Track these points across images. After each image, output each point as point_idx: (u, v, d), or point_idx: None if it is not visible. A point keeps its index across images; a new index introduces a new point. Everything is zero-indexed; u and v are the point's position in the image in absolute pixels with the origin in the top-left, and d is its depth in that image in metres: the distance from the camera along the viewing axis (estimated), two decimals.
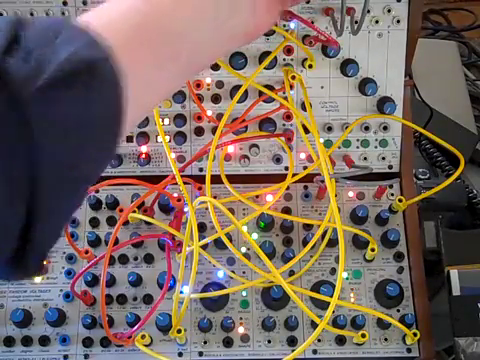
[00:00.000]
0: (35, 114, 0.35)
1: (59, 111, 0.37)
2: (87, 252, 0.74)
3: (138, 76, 0.43)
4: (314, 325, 0.72)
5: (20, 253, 0.38)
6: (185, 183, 0.77)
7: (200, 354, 0.73)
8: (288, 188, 0.78)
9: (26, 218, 0.36)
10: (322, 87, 0.77)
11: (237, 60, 0.75)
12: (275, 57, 0.75)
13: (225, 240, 0.72)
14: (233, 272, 0.74)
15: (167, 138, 0.78)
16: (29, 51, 0.36)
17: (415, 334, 0.71)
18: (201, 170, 0.79)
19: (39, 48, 0.36)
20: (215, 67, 0.76)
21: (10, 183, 0.35)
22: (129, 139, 0.78)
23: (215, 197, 0.77)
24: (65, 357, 0.72)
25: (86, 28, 0.40)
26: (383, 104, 0.76)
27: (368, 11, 0.74)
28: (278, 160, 0.79)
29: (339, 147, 0.79)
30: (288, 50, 0.75)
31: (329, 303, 0.71)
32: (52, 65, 0.36)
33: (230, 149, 0.79)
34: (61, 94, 0.37)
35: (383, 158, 0.80)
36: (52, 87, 0.36)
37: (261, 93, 0.76)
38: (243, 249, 0.76)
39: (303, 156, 0.79)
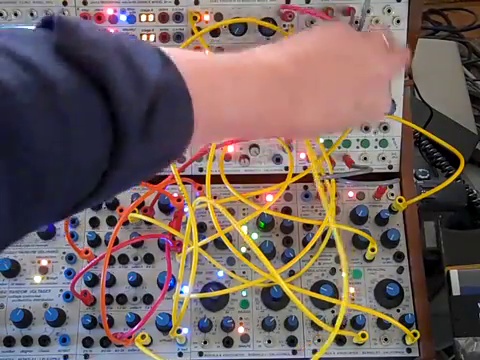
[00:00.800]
0: (117, 177, 0.42)
1: (136, 175, 0.45)
2: (87, 252, 0.74)
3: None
4: (314, 325, 0.72)
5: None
6: (185, 183, 0.77)
7: (200, 354, 0.73)
8: (288, 188, 0.78)
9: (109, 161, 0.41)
10: None
11: None
12: None
13: (225, 240, 0.72)
14: (233, 272, 0.74)
15: None
16: (150, 130, 0.41)
17: (415, 334, 0.71)
18: (201, 170, 0.79)
19: (156, 130, 0.42)
20: None
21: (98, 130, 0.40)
22: None
23: (215, 197, 0.77)
24: (65, 357, 0.72)
25: (192, 109, 0.45)
26: None
27: (368, 11, 0.74)
28: (278, 160, 0.79)
29: (339, 147, 0.79)
30: None
31: (329, 303, 0.71)
32: (153, 154, 0.44)
33: (230, 149, 0.78)
34: (146, 168, 0.45)
35: (383, 158, 0.80)
36: (143, 165, 0.44)
37: None
38: (243, 249, 0.76)
39: (303, 156, 0.79)
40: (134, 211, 0.76)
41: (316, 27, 0.62)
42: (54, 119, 0.37)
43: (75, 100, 0.38)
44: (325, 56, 0.57)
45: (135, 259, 0.76)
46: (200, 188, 0.76)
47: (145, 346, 0.71)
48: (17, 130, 0.35)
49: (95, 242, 0.76)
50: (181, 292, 0.70)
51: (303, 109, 0.55)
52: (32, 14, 0.74)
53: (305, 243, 0.75)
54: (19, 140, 0.35)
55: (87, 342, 0.73)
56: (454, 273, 0.72)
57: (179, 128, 0.45)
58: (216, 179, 0.75)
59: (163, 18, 0.75)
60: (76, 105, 0.38)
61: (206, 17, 0.75)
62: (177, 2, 0.74)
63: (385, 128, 0.78)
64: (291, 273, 0.75)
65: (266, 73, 0.53)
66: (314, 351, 0.72)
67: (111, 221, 0.77)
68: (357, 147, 0.79)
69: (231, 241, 0.75)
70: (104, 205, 0.78)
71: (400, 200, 0.77)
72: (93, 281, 0.74)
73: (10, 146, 0.35)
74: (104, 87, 0.39)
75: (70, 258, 0.76)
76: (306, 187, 0.79)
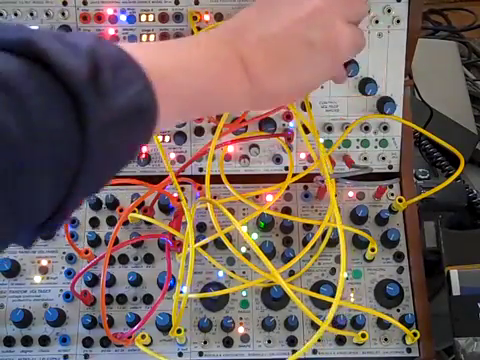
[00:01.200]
0: (92, 143, 0.42)
1: (113, 142, 0.45)
2: (87, 252, 0.74)
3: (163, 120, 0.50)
4: (314, 325, 0.72)
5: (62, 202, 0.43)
6: (185, 183, 0.77)
7: (200, 354, 0.73)
8: (288, 188, 0.78)
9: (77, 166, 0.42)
10: (322, 87, 0.77)
11: None
12: None
13: (225, 240, 0.72)
14: (233, 272, 0.74)
15: (167, 138, 0.78)
16: (103, 86, 0.43)
17: (415, 334, 0.71)
18: (201, 170, 0.79)
19: (109, 84, 0.43)
20: None
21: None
22: None
23: (215, 197, 0.77)
24: (65, 357, 0.72)
25: (143, 71, 0.47)
26: (383, 104, 0.76)
27: (368, 11, 0.74)
28: (278, 160, 0.79)
29: (339, 147, 0.79)
30: None
31: (329, 303, 0.71)
32: (116, 107, 0.44)
33: (230, 149, 0.79)
34: (119, 130, 0.45)
35: (383, 158, 0.80)
36: (114, 125, 0.44)
37: None
38: (243, 249, 0.76)
39: (303, 156, 0.79)
40: (134, 211, 0.76)
41: None
42: (4, 92, 0.39)
43: (20, 76, 0.40)
44: (260, 12, 0.59)
45: (135, 259, 0.76)
46: (200, 188, 0.76)
47: (145, 346, 0.71)
48: None
49: (95, 242, 0.76)
50: (181, 292, 0.70)
51: (258, 67, 0.56)
52: (32, 14, 0.74)
53: (305, 243, 0.75)
54: None
55: (87, 342, 0.73)
56: (454, 273, 0.72)
57: (133, 81, 0.46)
58: (216, 179, 0.75)
59: (163, 18, 0.75)
60: (23, 80, 0.40)
61: (206, 17, 0.75)
62: (177, 2, 0.74)
63: (385, 128, 0.78)
64: (291, 273, 0.75)
65: (209, 38, 0.57)
66: (314, 351, 0.72)
67: (111, 221, 0.77)
68: (357, 147, 0.79)
69: (231, 241, 0.75)
70: (104, 205, 0.78)
71: (400, 200, 0.77)
72: (93, 281, 0.74)
73: None
74: (43, 60, 0.41)
75: (70, 258, 0.76)
76: (306, 187, 0.79)
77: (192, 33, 0.74)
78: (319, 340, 0.73)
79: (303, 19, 0.58)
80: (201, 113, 0.65)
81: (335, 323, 0.72)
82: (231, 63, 0.55)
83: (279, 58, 0.57)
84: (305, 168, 0.79)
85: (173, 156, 0.78)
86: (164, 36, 0.75)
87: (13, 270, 0.75)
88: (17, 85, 0.39)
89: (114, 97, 0.44)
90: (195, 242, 0.72)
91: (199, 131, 0.78)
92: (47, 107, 0.40)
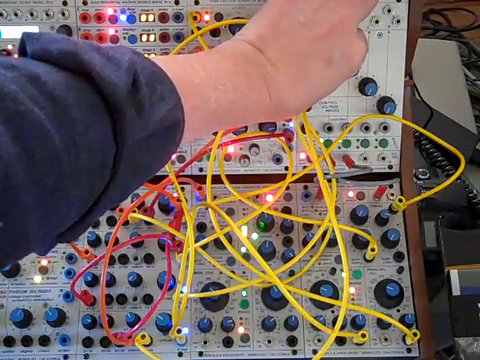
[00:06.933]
0: (125, 156, 0.44)
1: (143, 156, 0.46)
2: (87, 252, 0.74)
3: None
4: (314, 325, 0.72)
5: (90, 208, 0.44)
6: (185, 183, 0.77)
7: (200, 354, 0.73)
8: (288, 188, 0.78)
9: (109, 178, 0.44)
10: None
11: None
12: None
13: (224, 241, 0.72)
14: (233, 272, 0.74)
15: None
16: (141, 101, 0.44)
17: (415, 334, 0.71)
18: (201, 170, 0.79)
19: (146, 101, 0.45)
20: None
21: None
22: None
23: (215, 197, 0.77)
24: (65, 357, 0.72)
25: (175, 87, 0.48)
26: (383, 104, 0.76)
27: None
28: (278, 160, 0.79)
29: (339, 147, 0.79)
30: None
31: (328, 304, 0.71)
32: (151, 123, 0.45)
33: (230, 149, 0.79)
34: (150, 145, 0.46)
35: (383, 158, 0.80)
36: (146, 140, 0.45)
37: None
38: (243, 249, 0.76)
39: (303, 156, 0.79)
40: (134, 211, 0.76)
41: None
42: (50, 103, 0.40)
43: (64, 87, 0.41)
44: (277, 31, 0.59)
45: (135, 259, 0.76)
46: (200, 188, 0.76)
47: (145, 346, 0.71)
48: (23, 113, 0.38)
49: (95, 242, 0.76)
50: (181, 292, 0.70)
51: (278, 83, 0.57)
52: (32, 14, 0.74)
53: (305, 243, 0.75)
54: (30, 124, 0.38)
55: (87, 342, 0.73)
56: (454, 273, 0.72)
57: (166, 98, 0.47)
58: (216, 179, 0.75)
59: (163, 18, 0.75)
60: (67, 91, 0.41)
61: (206, 17, 0.75)
62: (177, 2, 0.74)
63: (385, 128, 0.78)
64: (291, 273, 0.75)
65: (234, 53, 0.57)
66: (314, 351, 0.72)
67: (111, 221, 0.77)
68: (357, 147, 0.79)
69: (231, 241, 0.75)
70: None
71: (400, 200, 0.77)
72: (93, 281, 0.74)
73: (21, 130, 0.37)
74: (86, 73, 0.42)
75: (70, 258, 0.76)
76: (306, 187, 0.79)
77: (192, 33, 0.74)
78: (319, 340, 0.73)
79: (321, 38, 0.59)
80: (221, 127, 0.66)
81: (335, 323, 0.72)
82: (254, 79, 0.56)
83: (299, 76, 0.59)
84: (305, 168, 0.79)
85: (173, 156, 0.78)
86: (164, 36, 0.75)
87: (13, 270, 0.75)
88: (62, 96, 0.40)
89: (150, 114, 0.45)
90: (195, 242, 0.72)
91: None
92: (88, 119, 0.41)
